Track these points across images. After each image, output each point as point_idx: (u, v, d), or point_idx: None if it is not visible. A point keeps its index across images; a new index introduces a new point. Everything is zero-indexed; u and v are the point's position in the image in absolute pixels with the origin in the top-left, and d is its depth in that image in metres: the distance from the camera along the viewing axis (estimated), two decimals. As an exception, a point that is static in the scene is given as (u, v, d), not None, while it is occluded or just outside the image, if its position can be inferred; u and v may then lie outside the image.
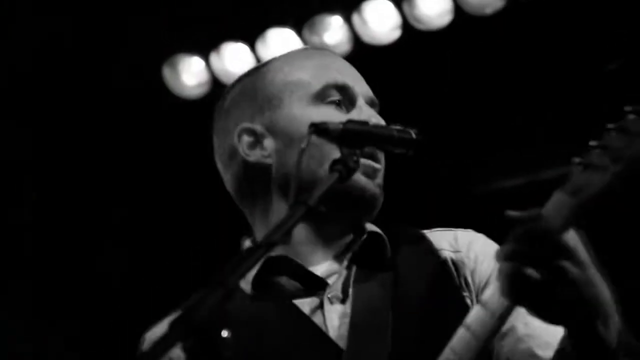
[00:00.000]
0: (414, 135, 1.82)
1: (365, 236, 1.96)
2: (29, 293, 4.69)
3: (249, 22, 4.35)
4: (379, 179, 1.98)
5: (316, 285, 1.91)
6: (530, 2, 3.93)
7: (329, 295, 1.90)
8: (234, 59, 4.40)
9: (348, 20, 4.20)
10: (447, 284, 1.93)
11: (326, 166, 1.72)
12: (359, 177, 1.90)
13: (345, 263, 1.95)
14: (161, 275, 4.67)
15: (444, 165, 4.43)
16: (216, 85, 4.44)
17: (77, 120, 4.62)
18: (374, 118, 1.94)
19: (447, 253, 1.97)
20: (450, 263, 1.95)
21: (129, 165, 4.72)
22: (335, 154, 1.72)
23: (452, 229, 2.05)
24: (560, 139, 4.38)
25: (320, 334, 1.86)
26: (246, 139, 2.00)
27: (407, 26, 4.13)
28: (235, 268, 1.47)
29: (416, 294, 1.90)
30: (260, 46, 4.34)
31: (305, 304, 1.90)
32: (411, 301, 1.89)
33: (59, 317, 4.70)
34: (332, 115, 1.93)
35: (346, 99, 1.99)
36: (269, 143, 1.96)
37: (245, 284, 1.91)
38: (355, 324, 1.86)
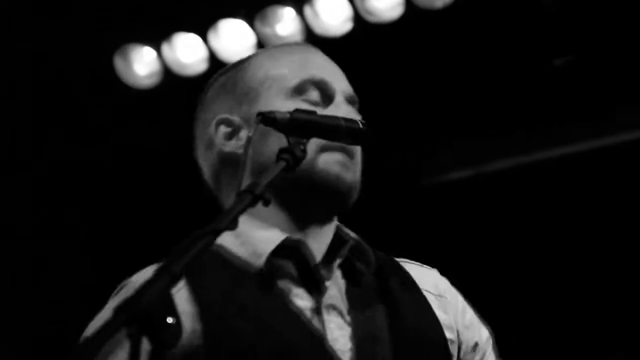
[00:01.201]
0: (361, 126, 1.84)
1: (351, 242, 1.92)
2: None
3: (201, 13, 4.34)
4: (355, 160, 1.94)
5: (314, 284, 1.87)
6: (480, -4, 3.97)
7: (327, 302, 1.86)
8: (185, 49, 4.40)
9: (300, 12, 4.21)
10: (436, 326, 1.93)
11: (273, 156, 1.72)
12: (329, 165, 1.90)
13: (335, 268, 1.90)
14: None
15: (393, 157, 4.46)
16: (167, 75, 4.43)
17: (27, 112, 4.59)
18: (351, 114, 1.92)
19: (430, 295, 1.97)
20: (435, 305, 1.96)
21: (82, 156, 4.70)
22: (283, 142, 1.73)
23: (424, 266, 2.04)
24: (508, 131, 4.44)
25: (321, 345, 1.82)
26: (222, 129, 1.99)
27: (358, 18, 4.14)
28: (181, 254, 1.48)
29: (413, 329, 1.89)
30: (212, 37, 4.34)
31: (305, 304, 1.85)
32: (408, 335, 1.87)
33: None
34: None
35: (324, 95, 1.96)
36: (244, 134, 1.95)
37: (256, 258, 1.86)
38: (361, 350, 1.83)
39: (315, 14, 4.21)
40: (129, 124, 4.63)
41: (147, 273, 1.82)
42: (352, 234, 1.95)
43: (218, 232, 1.49)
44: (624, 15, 3.97)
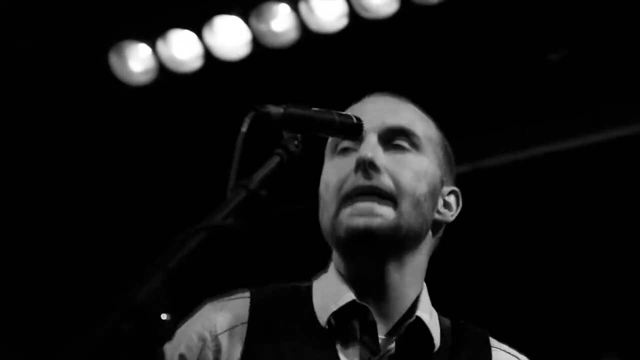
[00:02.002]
0: (355, 120, 1.84)
1: (411, 320, 1.87)
2: None
3: (196, 10, 4.34)
4: (371, 205, 1.88)
5: (371, 351, 1.86)
6: (475, -9, 3.97)
7: None
8: (180, 46, 4.39)
9: (295, 8, 4.21)
10: None
11: None
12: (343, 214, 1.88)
13: (391, 344, 1.87)
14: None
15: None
16: (163, 72, 4.43)
17: (24, 109, 4.59)
18: (370, 152, 1.88)
19: None
20: None
21: (78, 153, 4.70)
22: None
23: (517, 356, 1.97)
24: (504, 126, 4.44)
25: None
26: None
27: (354, 14, 4.14)
28: (175, 251, 1.47)
29: None
30: (207, 33, 4.33)
31: None
32: None
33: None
34: (338, 164, 1.92)
35: (357, 142, 1.93)
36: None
37: (322, 313, 1.88)
38: None
39: (311, 10, 4.20)
40: (125, 120, 4.63)
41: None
42: (420, 312, 1.88)
43: (211, 229, 1.49)
44: (619, 9, 3.96)
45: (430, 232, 1.94)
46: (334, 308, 1.86)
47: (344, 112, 1.86)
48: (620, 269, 4.31)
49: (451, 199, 1.98)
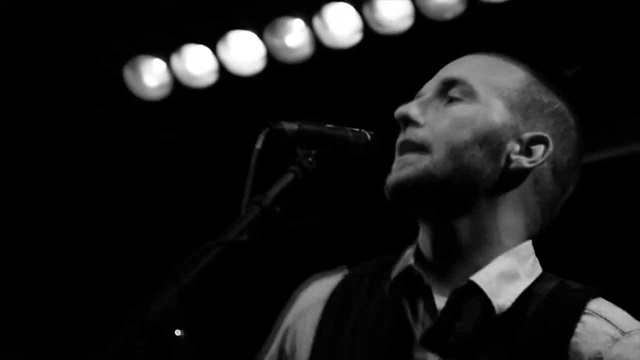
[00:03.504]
0: (369, 137, 1.84)
1: (464, 283, 1.80)
2: None
3: (210, 25, 4.36)
4: (403, 157, 1.86)
5: (430, 316, 1.83)
6: (489, 6, 3.97)
7: (429, 337, 1.81)
8: (195, 61, 4.41)
9: (309, 23, 4.22)
10: None
11: None
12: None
13: (448, 302, 1.81)
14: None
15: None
16: (177, 87, 4.44)
17: (38, 124, 4.61)
18: (405, 107, 1.89)
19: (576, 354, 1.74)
20: None
21: (92, 167, 4.71)
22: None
23: (617, 324, 1.77)
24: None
25: None
26: None
27: (367, 30, 4.14)
28: (189, 267, 1.48)
29: None
30: (221, 49, 4.35)
31: (415, 330, 1.82)
32: None
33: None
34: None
35: None
36: None
37: (387, 280, 1.88)
38: None
39: (325, 25, 4.21)
40: (139, 135, 4.64)
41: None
42: (477, 275, 1.80)
43: (226, 245, 1.49)
44: (634, 24, 3.96)
45: (502, 182, 1.84)
46: (392, 278, 1.86)
47: (358, 129, 1.86)
48: (621, 286, 4.29)
49: (536, 146, 1.87)
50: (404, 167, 1.84)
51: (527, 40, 4.04)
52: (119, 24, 4.39)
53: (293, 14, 4.23)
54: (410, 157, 1.85)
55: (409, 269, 1.85)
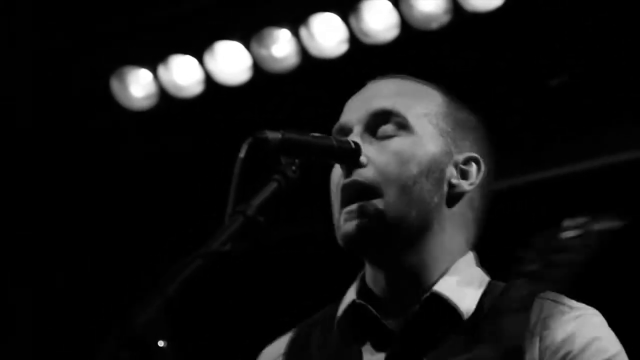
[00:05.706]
0: (353, 146, 1.84)
1: (426, 295, 1.82)
2: None
3: (197, 35, 4.36)
4: (355, 206, 1.83)
5: (386, 341, 1.83)
6: (475, 17, 3.98)
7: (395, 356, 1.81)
8: (181, 71, 4.41)
9: (296, 33, 4.22)
10: None
11: None
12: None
13: (409, 320, 1.83)
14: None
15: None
16: (164, 97, 4.44)
17: (24, 134, 4.60)
18: (352, 139, 1.86)
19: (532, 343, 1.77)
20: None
21: (79, 177, 4.70)
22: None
23: (576, 308, 1.81)
24: (503, 151, 4.43)
25: None
26: None
27: (354, 40, 4.15)
28: (173, 278, 1.48)
29: None
30: (208, 59, 4.35)
31: (376, 358, 1.83)
32: None
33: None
34: (336, 167, 1.90)
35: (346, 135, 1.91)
36: None
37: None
38: None
39: (311, 35, 4.22)
40: (125, 145, 4.64)
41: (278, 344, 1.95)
42: (439, 287, 1.82)
43: (207, 256, 1.49)
44: (620, 34, 3.98)
45: (446, 207, 1.86)
46: (338, 315, 1.88)
47: (342, 138, 1.86)
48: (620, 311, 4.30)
49: (469, 167, 1.90)
50: (359, 217, 1.82)
51: (512, 50, 4.06)
52: (106, 33, 4.39)
53: (279, 24, 4.24)
54: (363, 205, 1.82)
55: (352, 304, 1.86)
